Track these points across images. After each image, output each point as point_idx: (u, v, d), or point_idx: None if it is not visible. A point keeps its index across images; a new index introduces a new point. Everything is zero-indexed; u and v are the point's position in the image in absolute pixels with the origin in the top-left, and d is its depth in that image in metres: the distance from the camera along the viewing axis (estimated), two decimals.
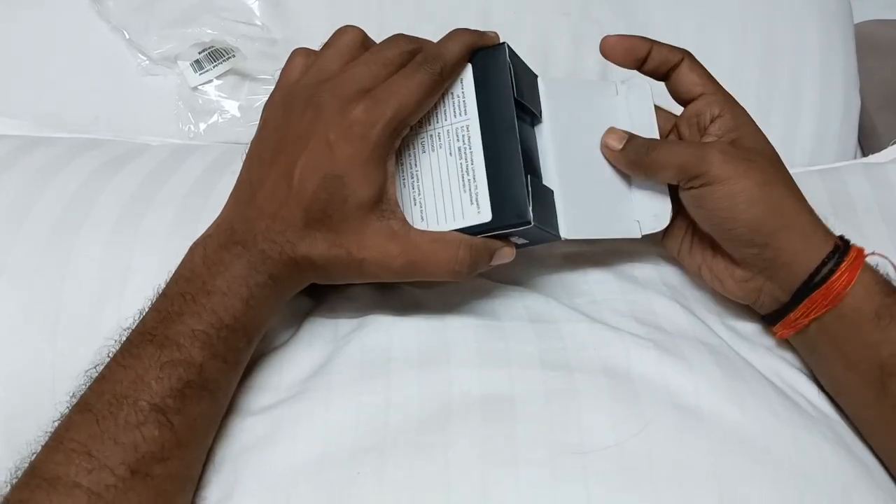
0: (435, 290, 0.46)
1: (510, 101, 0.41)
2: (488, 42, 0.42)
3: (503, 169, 0.40)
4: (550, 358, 0.40)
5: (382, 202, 0.39)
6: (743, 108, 0.44)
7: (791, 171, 0.61)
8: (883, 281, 0.41)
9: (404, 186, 0.42)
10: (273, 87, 0.42)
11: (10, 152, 0.54)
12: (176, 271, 0.39)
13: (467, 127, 0.41)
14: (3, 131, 0.59)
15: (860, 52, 0.72)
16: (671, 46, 0.44)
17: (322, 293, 0.46)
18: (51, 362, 0.44)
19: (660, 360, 0.40)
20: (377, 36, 0.43)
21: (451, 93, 0.42)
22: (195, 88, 0.66)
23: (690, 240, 0.46)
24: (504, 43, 0.42)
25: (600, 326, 0.42)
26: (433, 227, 0.41)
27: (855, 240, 0.49)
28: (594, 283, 0.47)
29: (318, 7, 0.68)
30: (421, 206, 0.42)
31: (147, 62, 0.67)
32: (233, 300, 0.38)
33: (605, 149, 0.44)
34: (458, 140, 0.41)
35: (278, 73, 0.43)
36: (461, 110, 0.41)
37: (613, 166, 0.45)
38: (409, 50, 0.40)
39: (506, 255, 0.42)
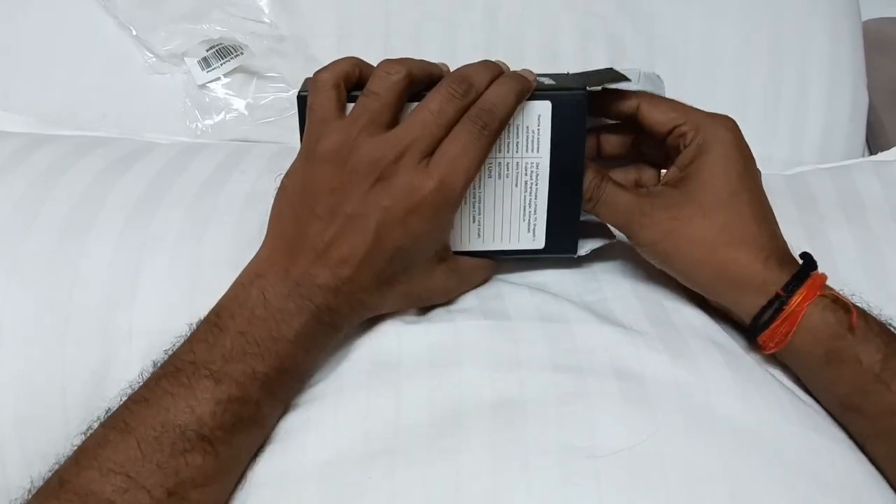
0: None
1: (582, 149, 0.43)
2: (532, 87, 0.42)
3: (563, 209, 0.44)
4: (562, 360, 0.40)
5: (444, 249, 0.43)
6: (721, 124, 0.43)
7: (799, 169, 0.61)
8: (834, 321, 0.40)
9: (465, 203, 0.44)
10: (306, 123, 0.41)
11: (16, 151, 0.54)
12: (226, 304, 0.39)
13: (537, 165, 0.43)
14: (9, 128, 0.59)
15: (868, 49, 0.72)
16: (624, 94, 0.45)
17: None
18: (61, 364, 0.44)
19: (671, 361, 0.40)
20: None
21: (526, 126, 0.43)
22: (202, 86, 0.66)
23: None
24: (584, 91, 0.43)
25: (612, 328, 0.42)
26: (488, 246, 0.45)
27: (864, 239, 0.49)
28: (605, 281, 0.47)
29: (327, 4, 0.67)
30: (480, 225, 0.45)
31: (154, 59, 0.67)
32: (297, 349, 0.39)
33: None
34: (525, 174, 0.44)
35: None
36: (534, 146, 0.43)
37: None
38: (462, 104, 0.40)
39: None
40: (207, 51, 0.66)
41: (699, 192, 0.42)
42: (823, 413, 0.42)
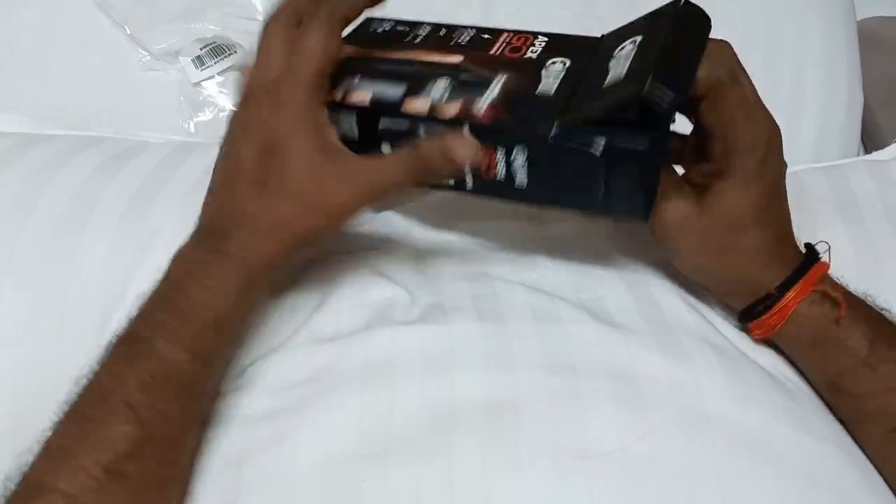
0: (439, 292, 0.46)
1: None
2: None
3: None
4: (555, 361, 0.40)
5: (327, 149, 0.39)
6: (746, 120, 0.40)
7: (794, 168, 0.61)
8: (819, 313, 0.41)
9: None
10: None
11: (10, 149, 0.54)
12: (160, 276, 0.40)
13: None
14: (3, 128, 0.59)
15: (863, 49, 0.72)
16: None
17: (324, 296, 0.46)
18: (57, 362, 0.44)
19: (664, 361, 0.40)
20: None
21: None
22: (196, 84, 0.66)
23: None
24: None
25: (605, 327, 0.42)
26: None
27: (858, 237, 0.49)
28: (601, 280, 0.46)
29: None
30: None
31: (148, 57, 0.67)
32: (191, 285, 0.38)
33: None
34: None
35: None
36: None
37: None
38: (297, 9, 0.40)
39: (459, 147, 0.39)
40: (201, 49, 0.66)
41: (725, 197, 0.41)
42: (816, 412, 0.42)
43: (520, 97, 0.40)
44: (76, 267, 0.46)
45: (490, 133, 0.39)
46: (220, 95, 0.67)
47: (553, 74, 0.40)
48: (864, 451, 0.41)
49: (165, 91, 0.66)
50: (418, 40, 0.45)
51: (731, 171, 0.40)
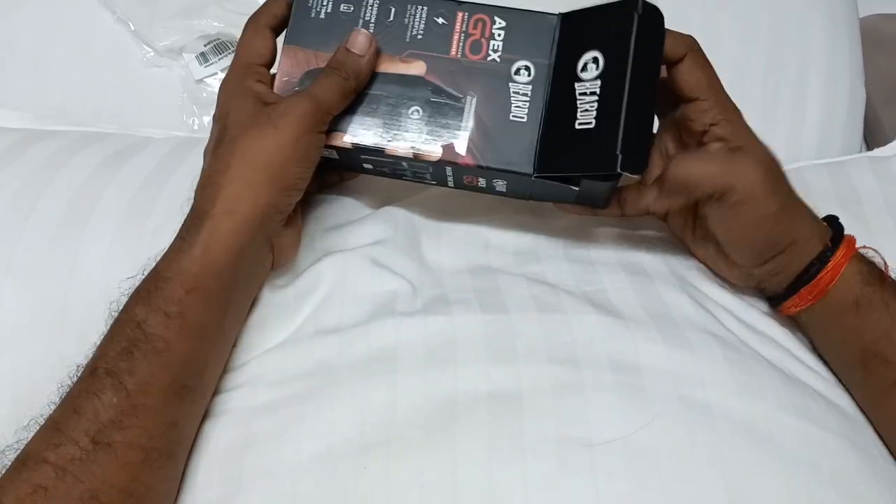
0: (442, 284, 0.46)
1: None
2: None
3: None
4: (558, 352, 0.40)
5: (260, 100, 0.42)
6: (737, 112, 0.43)
7: (797, 165, 0.61)
8: (866, 270, 0.43)
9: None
10: None
11: (12, 146, 0.54)
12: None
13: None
14: (6, 124, 0.59)
15: (865, 46, 0.72)
16: (676, 35, 0.42)
17: (326, 289, 0.46)
18: (59, 360, 0.44)
19: (668, 352, 0.40)
20: None
21: None
22: (200, 81, 0.66)
23: (693, 230, 0.47)
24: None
25: (609, 319, 0.42)
26: None
27: (860, 233, 0.49)
28: (604, 273, 0.46)
29: None
30: None
31: (152, 54, 0.67)
32: (175, 254, 0.39)
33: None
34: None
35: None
36: None
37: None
38: None
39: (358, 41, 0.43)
40: (205, 46, 0.66)
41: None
42: (821, 402, 0.42)
43: (496, 125, 0.43)
44: (77, 267, 0.46)
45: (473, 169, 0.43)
46: None
47: (521, 90, 0.43)
48: (893, 425, 0.41)
49: (169, 88, 0.67)
50: (370, 30, 0.44)
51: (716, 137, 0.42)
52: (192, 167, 0.52)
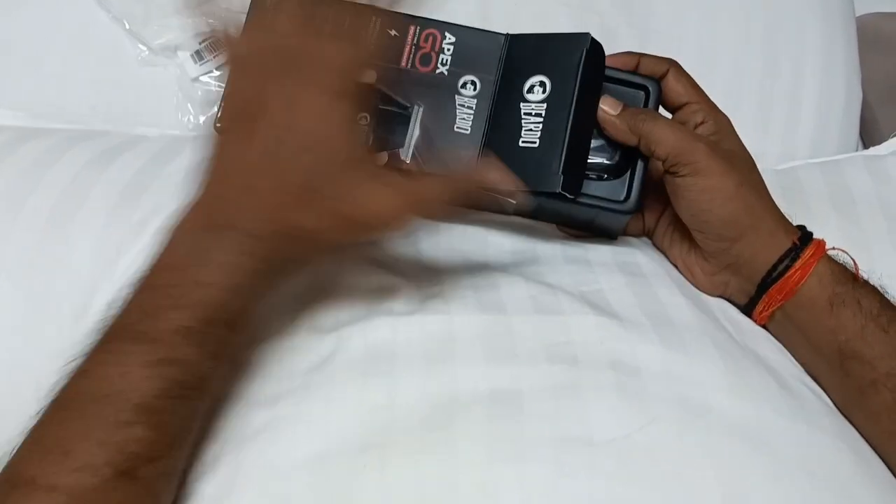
0: (440, 282, 0.46)
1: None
2: None
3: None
4: (557, 353, 0.40)
5: (366, 161, 0.40)
6: (725, 116, 0.46)
7: (791, 164, 0.61)
8: (839, 270, 0.44)
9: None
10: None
11: (4, 144, 0.54)
12: (156, 260, 0.37)
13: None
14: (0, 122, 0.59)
15: (861, 45, 0.72)
16: (657, 58, 0.46)
17: (324, 287, 0.46)
18: (46, 357, 0.44)
19: (665, 353, 0.41)
20: None
21: None
22: (195, 79, 0.66)
23: (672, 233, 0.49)
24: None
25: (607, 320, 0.42)
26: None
27: (852, 233, 0.50)
28: (601, 273, 0.47)
29: None
30: None
31: (147, 52, 0.66)
32: (220, 291, 0.36)
33: (602, 114, 0.45)
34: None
35: None
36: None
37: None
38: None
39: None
40: (200, 44, 0.66)
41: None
42: (816, 404, 0.42)
43: (441, 135, 0.45)
44: (64, 264, 0.46)
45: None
46: (218, 90, 0.67)
47: (467, 103, 0.45)
48: (872, 427, 0.41)
49: (164, 86, 0.66)
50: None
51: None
52: (182, 164, 0.52)
